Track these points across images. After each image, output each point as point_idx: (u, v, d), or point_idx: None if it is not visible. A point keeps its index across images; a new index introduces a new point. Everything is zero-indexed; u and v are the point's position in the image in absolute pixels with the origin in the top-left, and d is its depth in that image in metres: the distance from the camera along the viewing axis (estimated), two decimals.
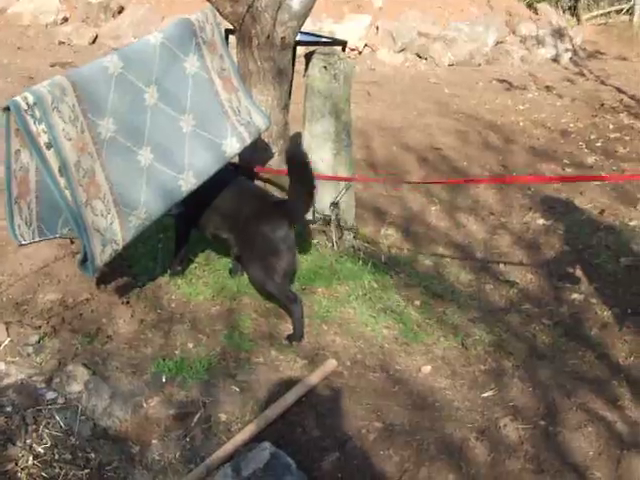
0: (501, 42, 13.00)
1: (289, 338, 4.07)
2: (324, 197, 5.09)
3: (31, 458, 3.05)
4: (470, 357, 4.18)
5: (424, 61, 12.16)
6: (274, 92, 4.35)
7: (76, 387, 3.47)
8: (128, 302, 4.17)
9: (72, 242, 4.35)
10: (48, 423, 3.23)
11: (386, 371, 3.95)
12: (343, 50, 5.13)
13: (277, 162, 4.51)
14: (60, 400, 3.39)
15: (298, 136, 4.48)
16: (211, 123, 3.82)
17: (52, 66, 9.74)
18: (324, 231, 5.09)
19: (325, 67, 4.80)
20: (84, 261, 3.30)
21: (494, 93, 10.74)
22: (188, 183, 3.66)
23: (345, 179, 4.98)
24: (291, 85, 4.96)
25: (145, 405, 3.44)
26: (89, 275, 3.42)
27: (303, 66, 4.95)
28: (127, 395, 3.47)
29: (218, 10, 4.12)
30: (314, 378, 3.70)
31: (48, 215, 3.71)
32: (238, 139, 3.92)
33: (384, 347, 4.17)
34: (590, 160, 7.86)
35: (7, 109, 3.05)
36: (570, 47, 13.60)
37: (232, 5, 4.11)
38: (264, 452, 3.10)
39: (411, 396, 3.76)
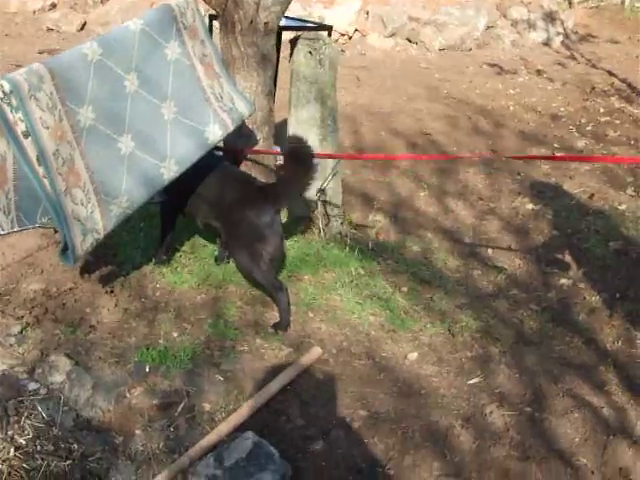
0: (492, 26, 12.92)
1: (275, 327, 4.05)
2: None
3: (12, 450, 3.02)
4: (457, 344, 4.16)
5: (414, 46, 12.09)
6: (258, 78, 4.31)
7: (58, 377, 3.45)
8: (112, 291, 4.15)
9: (56, 231, 4.32)
10: (30, 414, 3.21)
11: (372, 358, 3.93)
12: (329, 35, 5.09)
13: (261, 148, 4.47)
14: (42, 391, 3.37)
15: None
16: (193, 110, 3.78)
17: (40, 53, 9.66)
18: (311, 218, 5.06)
19: (310, 52, 4.76)
20: (64, 250, 3.26)
21: (485, 77, 10.69)
22: (170, 171, 3.62)
23: (331, 156, 4.94)
24: (276, 71, 4.93)
25: (128, 395, 3.42)
26: (70, 265, 3.39)
27: (289, 51, 4.91)
28: (110, 385, 3.46)
29: None
30: (299, 366, 3.68)
31: (27, 204, 3.68)
32: (221, 126, 3.88)
33: (370, 334, 4.15)
34: (580, 144, 7.83)
35: None
36: (561, 31, 13.53)
37: None
38: (247, 441, 3.08)
39: (397, 383, 3.75)
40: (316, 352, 3.82)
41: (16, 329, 3.72)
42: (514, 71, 11.13)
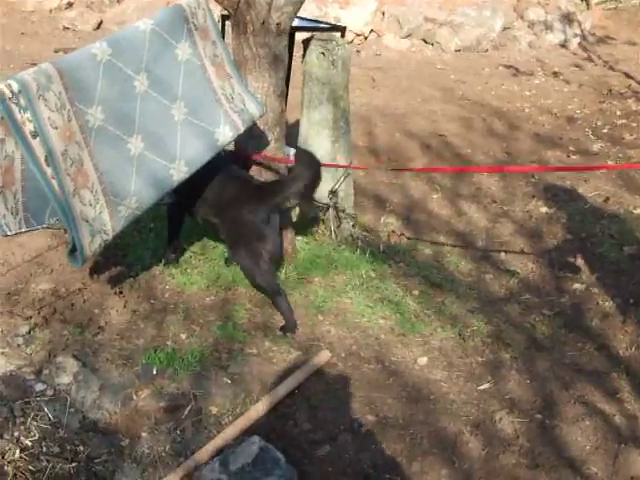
0: (508, 27, 12.84)
1: (282, 329, 4.03)
2: (322, 185, 4.97)
3: (18, 451, 3.02)
4: (467, 348, 4.12)
5: (430, 47, 12.04)
6: (270, 79, 4.27)
7: (65, 379, 3.44)
8: (121, 292, 4.14)
9: (66, 232, 4.31)
10: (36, 415, 3.21)
11: (381, 363, 3.91)
12: (342, 36, 5.05)
13: (273, 150, 4.44)
14: (49, 392, 3.36)
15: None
16: (203, 111, 3.75)
17: (56, 52, 9.66)
18: (322, 220, 5.03)
19: (323, 53, 4.74)
20: (73, 251, 3.25)
21: (500, 79, 10.62)
22: (180, 172, 3.60)
23: (342, 166, 4.92)
24: (289, 72, 4.90)
25: (135, 397, 3.42)
26: (78, 266, 3.37)
27: (302, 52, 4.88)
28: (117, 387, 3.45)
29: None
30: (307, 370, 3.66)
31: (35, 205, 3.67)
32: (231, 127, 3.86)
33: (380, 338, 4.12)
34: (596, 147, 7.76)
35: None
36: (579, 32, 13.44)
37: None
38: (253, 446, 3.06)
39: (406, 388, 3.72)
40: (325, 356, 3.80)
41: (24, 329, 3.72)
42: (530, 73, 11.05)
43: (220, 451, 3.15)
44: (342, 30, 5.17)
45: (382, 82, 9.86)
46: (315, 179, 4.02)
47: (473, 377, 3.88)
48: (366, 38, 11.97)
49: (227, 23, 4.71)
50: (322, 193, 5.00)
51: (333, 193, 4.99)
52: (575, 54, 12.70)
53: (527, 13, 13.22)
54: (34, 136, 3.00)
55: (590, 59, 12.31)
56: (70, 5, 11.73)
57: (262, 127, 4.37)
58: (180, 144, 3.61)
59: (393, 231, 5.63)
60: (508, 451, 3.33)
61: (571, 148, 7.71)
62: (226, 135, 3.85)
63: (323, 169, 4.84)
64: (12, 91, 2.92)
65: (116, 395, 3.40)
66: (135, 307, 4.03)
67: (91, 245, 3.27)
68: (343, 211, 5.09)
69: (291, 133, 5.18)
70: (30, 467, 2.97)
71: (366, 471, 3.16)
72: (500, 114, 8.83)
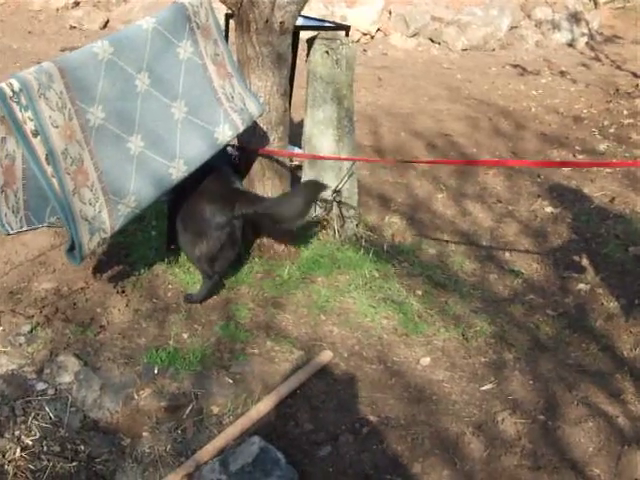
0: (516, 27, 12.80)
1: (186, 296, 4.14)
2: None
3: (19, 450, 3.03)
4: (470, 349, 4.11)
5: (437, 46, 12.01)
6: (273, 78, 4.27)
7: (66, 378, 3.45)
8: (124, 291, 4.14)
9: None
10: (37, 414, 3.22)
11: (384, 363, 3.90)
12: (346, 35, 5.04)
13: (277, 148, 4.44)
14: (50, 391, 3.37)
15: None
16: (204, 110, 3.75)
17: (62, 51, 9.68)
18: (326, 219, 5.02)
19: (327, 52, 4.72)
20: (71, 249, 3.25)
21: (507, 78, 10.59)
22: (179, 171, 3.60)
23: (345, 159, 4.91)
24: (293, 71, 4.90)
25: (136, 397, 3.42)
26: (76, 263, 3.38)
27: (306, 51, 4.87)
28: (118, 386, 3.45)
29: None
30: (309, 370, 3.65)
31: (36, 203, 3.67)
32: (231, 126, 3.85)
33: (383, 338, 4.11)
34: (602, 147, 7.71)
35: None
36: (586, 31, 13.39)
37: None
38: (253, 446, 3.05)
39: (408, 389, 3.70)
40: (327, 356, 3.79)
41: (26, 328, 3.72)
42: (537, 72, 11.01)
43: (221, 451, 3.14)
44: (346, 29, 5.15)
45: (388, 81, 9.83)
46: (298, 215, 4.07)
47: (476, 377, 3.86)
48: (373, 37, 11.95)
49: (231, 22, 4.71)
50: (326, 192, 4.99)
51: (337, 192, 4.98)
52: (582, 53, 12.65)
53: (534, 12, 13.19)
54: (35, 135, 3.00)
55: (597, 58, 12.27)
56: (77, 4, 11.75)
57: (265, 126, 4.37)
58: (180, 143, 3.61)
59: (397, 230, 5.61)
60: (510, 452, 3.31)
61: (577, 147, 7.67)
62: (225, 134, 3.85)
63: (327, 167, 4.88)
64: (13, 90, 2.92)
65: (117, 394, 3.40)
66: (137, 306, 4.03)
67: (89, 243, 3.28)
68: (347, 210, 5.07)
69: (296, 132, 5.17)
70: (30, 466, 2.98)
71: (367, 472, 3.15)
72: (506, 113, 8.80)
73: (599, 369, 4.03)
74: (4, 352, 3.55)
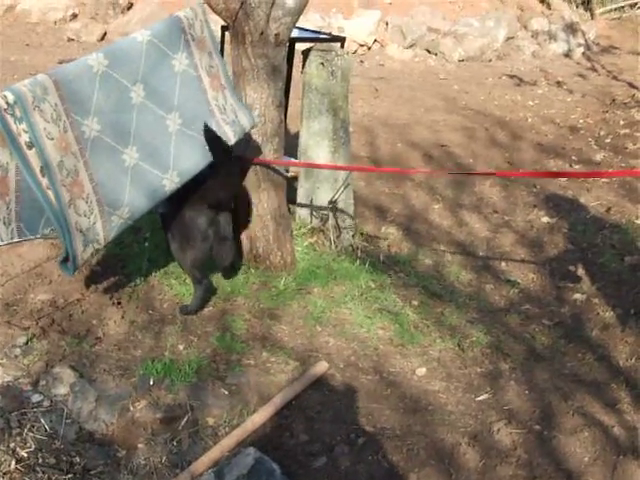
0: (512, 37, 12.83)
1: (181, 308, 4.13)
2: (322, 195, 5.03)
3: (14, 462, 3.02)
4: (466, 359, 4.11)
5: (434, 57, 12.04)
6: (268, 90, 4.28)
7: (62, 390, 3.44)
8: (119, 303, 4.14)
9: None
10: (33, 426, 3.21)
11: (379, 373, 3.90)
12: (342, 47, 5.05)
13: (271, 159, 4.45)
14: (46, 403, 3.37)
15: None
16: (197, 121, 3.75)
17: (60, 63, 9.66)
18: (322, 230, 5.03)
19: (322, 64, 4.75)
20: (65, 261, 3.25)
21: (504, 89, 10.61)
22: (172, 182, 3.60)
23: (341, 168, 4.93)
24: (289, 82, 4.91)
25: (132, 408, 3.40)
26: (69, 274, 3.38)
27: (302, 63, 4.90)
28: (114, 398, 3.44)
29: (211, 6, 4.06)
30: (304, 381, 3.65)
31: (29, 215, 3.66)
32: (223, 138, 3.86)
33: (379, 349, 4.11)
34: (598, 157, 7.73)
35: None
36: (583, 42, 13.43)
37: (225, 1, 4.03)
38: (248, 457, 3.04)
39: (404, 399, 3.70)
40: (322, 367, 3.79)
41: (22, 340, 3.72)
42: (533, 82, 11.04)
43: (216, 462, 3.14)
44: (342, 41, 5.17)
45: (385, 92, 9.85)
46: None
47: (472, 388, 3.87)
48: (369, 48, 11.98)
49: (227, 34, 4.72)
50: (322, 203, 5.01)
51: (333, 202, 4.99)
52: (579, 64, 12.69)
53: (531, 23, 13.23)
54: (29, 147, 3.00)
55: (594, 69, 12.31)
56: (74, 16, 11.77)
57: (261, 138, 4.38)
58: (174, 155, 3.62)
59: (393, 241, 5.62)
60: (506, 462, 3.30)
61: (574, 158, 7.69)
62: None
63: (323, 178, 4.89)
64: (8, 102, 2.92)
65: (113, 406, 3.39)
66: (133, 318, 4.03)
67: (83, 254, 3.29)
68: (343, 220, 5.09)
69: (291, 143, 5.18)
70: (26, 478, 2.97)
71: None
72: (503, 124, 8.82)
73: (595, 379, 4.03)
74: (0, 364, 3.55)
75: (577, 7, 14.90)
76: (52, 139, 3.06)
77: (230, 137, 3.91)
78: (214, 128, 3.80)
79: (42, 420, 3.25)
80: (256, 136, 4.35)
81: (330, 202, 4.98)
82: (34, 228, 3.75)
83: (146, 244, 4.44)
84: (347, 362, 3.95)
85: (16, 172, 3.49)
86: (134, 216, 3.48)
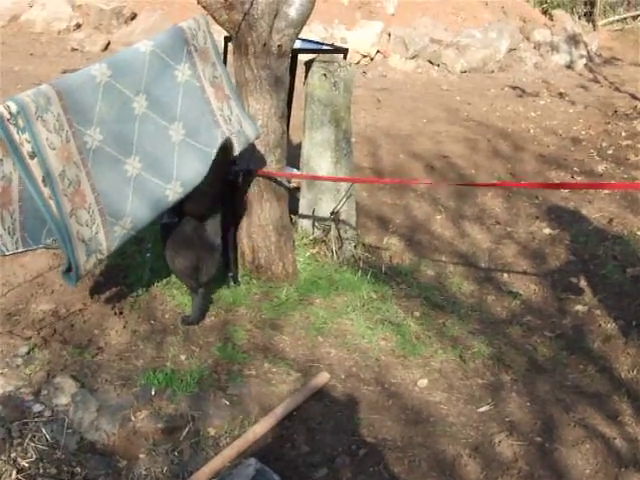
0: (514, 49, 12.87)
1: (183, 318, 4.13)
2: (324, 206, 5.04)
3: (15, 472, 3.01)
4: (468, 370, 4.11)
5: (436, 68, 12.07)
6: (271, 100, 4.29)
7: (63, 399, 3.43)
8: (121, 313, 4.14)
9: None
10: (34, 436, 3.20)
11: (381, 384, 3.89)
12: (344, 58, 5.07)
13: (275, 170, 4.46)
14: (47, 413, 3.35)
15: None
16: (201, 132, 3.77)
17: (64, 73, 9.68)
18: (324, 241, 5.03)
19: (325, 75, 4.76)
20: (68, 271, 3.26)
21: (506, 100, 10.62)
22: (175, 193, 3.61)
23: (344, 179, 4.94)
24: (291, 93, 4.92)
25: (133, 419, 3.40)
26: (72, 284, 3.39)
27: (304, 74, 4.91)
28: (115, 408, 3.43)
29: (214, 18, 4.08)
30: (306, 392, 3.65)
31: (32, 225, 3.68)
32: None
33: (380, 360, 4.11)
34: (600, 168, 7.74)
35: None
36: (585, 53, 13.47)
37: (228, 13, 4.06)
38: (249, 468, 3.03)
39: (405, 411, 3.70)
40: (324, 377, 3.78)
41: (23, 350, 3.72)
42: (536, 94, 11.06)
43: (217, 473, 3.13)
44: (344, 52, 5.18)
45: (387, 103, 9.87)
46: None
47: (473, 399, 3.86)
48: (372, 59, 12.00)
49: (230, 45, 4.74)
50: (324, 214, 5.01)
51: (335, 213, 4.99)
52: (581, 75, 12.72)
53: (533, 34, 13.26)
54: (32, 157, 3.01)
55: (596, 80, 12.33)
56: (78, 26, 11.80)
57: (263, 148, 4.39)
58: (177, 165, 3.63)
59: (395, 252, 5.62)
60: (507, 474, 3.30)
61: (576, 169, 7.70)
62: None
63: (325, 189, 4.90)
64: (11, 112, 2.94)
65: (114, 416, 3.39)
66: (135, 328, 4.03)
67: (86, 264, 3.29)
68: (345, 231, 5.09)
69: (294, 154, 5.19)
70: None
71: None
72: (505, 135, 8.83)
73: (597, 391, 4.03)
74: (1, 374, 3.54)
75: (579, 18, 14.94)
76: (54, 149, 3.07)
77: (235, 147, 3.91)
78: (219, 139, 3.81)
79: (43, 430, 3.24)
80: (259, 147, 4.36)
81: (332, 213, 4.98)
82: (37, 238, 3.76)
83: (148, 254, 4.44)
84: (349, 373, 3.94)
85: (19, 182, 3.51)
86: (137, 226, 3.49)
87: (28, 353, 3.71)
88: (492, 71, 12.34)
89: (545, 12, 14.57)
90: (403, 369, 4.07)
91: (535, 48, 13.16)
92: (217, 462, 3.18)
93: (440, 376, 4.04)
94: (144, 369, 3.70)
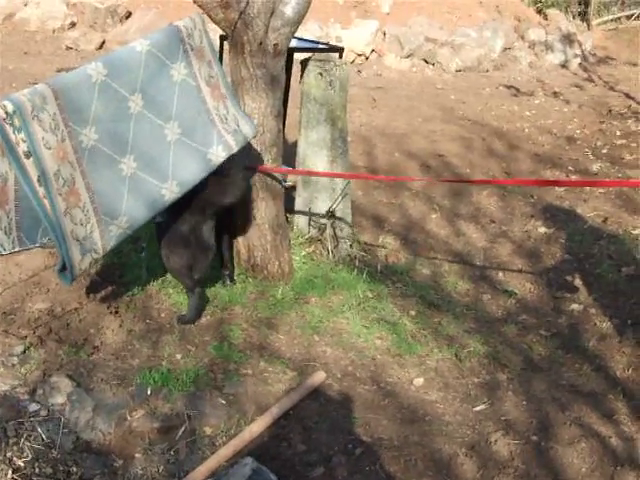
0: (509, 48, 12.89)
1: (179, 317, 4.13)
2: (320, 205, 5.04)
3: (10, 472, 3.00)
4: (464, 369, 4.11)
5: (431, 67, 12.08)
6: (267, 99, 4.29)
7: (59, 399, 3.43)
8: (117, 312, 4.13)
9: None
10: (29, 436, 3.19)
11: (377, 383, 3.89)
12: (340, 57, 5.07)
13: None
14: (43, 412, 3.35)
15: None
16: (197, 131, 3.76)
17: (59, 71, 9.67)
18: (320, 239, 5.03)
19: (321, 74, 4.76)
20: (63, 269, 3.25)
21: (501, 99, 10.64)
22: (172, 192, 3.60)
23: (340, 175, 4.94)
24: (287, 92, 4.91)
25: (129, 418, 3.39)
26: (67, 283, 3.38)
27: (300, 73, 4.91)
28: (111, 407, 3.43)
29: (210, 16, 4.08)
30: (302, 391, 3.65)
31: (28, 224, 3.68)
32: (224, 147, 3.86)
33: (376, 359, 4.11)
34: (595, 167, 7.75)
35: None
36: (579, 53, 13.49)
37: (224, 11, 4.05)
38: (245, 467, 3.03)
39: (401, 410, 3.70)
40: (320, 376, 3.78)
41: (19, 349, 3.71)
42: (530, 93, 11.08)
43: (214, 472, 3.13)
44: (340, 51, 5.18)
45: (382, 102, 9.87)
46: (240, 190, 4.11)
47: (469, 398, 3.86)
48: (367, 58, 12.01)
49: (225, 44, 4.73)
50: (320, 213, 5.01)
51: (331, 212, 4.99)
52: (575, 74, 12.75)
53: (528, 33, 13.28)
54: (27, 156, 3.00)
55: (590, 79, 12.36)
56: (73, 25, 11.79)
57: (259, 147, 4.38)
58: (172, 164, 3.62)
59: (391, 251, 5.62)
60: (503, 473, 3.30)
61: (570, 168, 7.71)
62: (219, 155, 3.85)
63: (321, 188, 4.90)
64: (7, 112, 2.93)
65: (110, 415, 3.39)
66: (131, 327, 4.02)
67: (81, 264, 3.28)
68: (341, 230, 5.09)
69: (290, 153, 5.19)
70: None
71: None
72: (500, 134, 8.84)
73: (592, 389, 4.03)
74: None
75: (574, 18, 14.97)
76: (50, 148, 3.06)
77: (232, 146, 3.91)
78: (215, 138, 3.80)
79: (39, 429, 3.23)
80: (255, 146, 4.35)
81: (328, 211, 4.98)
82: (33, 237, 3.76)
83: (143, 253, 4.44)
84: (344, 372, 3.95)
85: (15, 181, 3.50)
86: (133, 226, 3.48)
87: (24, 352, 3.70)
88: (487, 70, 12.36)
89: (539, 11, 14.60)
90: (399, 368, 4.07)
91: (530, 47, 13.18)
92: (213, 461, 3.18)
93: (436, 375, 4.05)
94: (140, 368, 3.70)
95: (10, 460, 3.06)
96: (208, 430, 3.38)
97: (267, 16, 4.11)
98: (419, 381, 3.97)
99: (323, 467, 3.24)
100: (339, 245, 5.09)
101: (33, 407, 3.36)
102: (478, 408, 3.78)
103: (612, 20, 15.55)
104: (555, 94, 11.11)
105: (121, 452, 3.26)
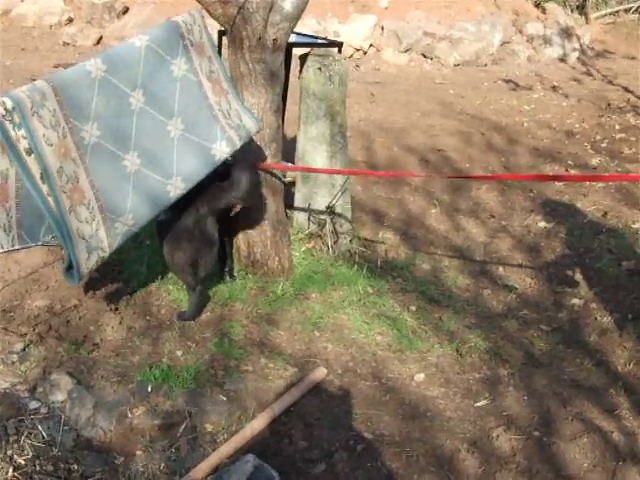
0: (507, 42, 12.86)
1: (179, 314, 4.12)
2: (319, 200, 5.02)
3: (11, 470, 3.00)
4: (465, 365, 4.11)
5: (429, 61, 12.06)
6: (266, 95, 4.27)
7: (60, 396, 3.42)
8: (117, 309, 4.12)
9: (62, 248, 4.29)
10: (30, 433, 3.19)
11: (378, 379, 3.89)
12: (339, 52, 5.05)
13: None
14: (43, 410, 3.34)
15: None
16: (200, 127, 3.74)
17: (56, 67, 9.64)
18: (319, 235, 5.02)
19: (320, 69, 4.74)
20: (69, 269, 3.23)
21: (499, 93, 10.63)
22: (177, 188, 3.58)
23: (339, 172, 4.93)
24: (286, 87, 4.90)
25: (130, 415, 3.38)
26: (74, 283, 3.36)
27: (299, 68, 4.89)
28: (112, 405, 3.42)
29: (209, 11, 4.06)
30: (303, 387, 3.64)
31: (30, 222, 3.65)
32: (228, 143, 3.85)
33: (377, 354, 4.10)
34: (594, 161, 7.74)
35: None
36: (578, 46, 13.48)
37: (223, 6, 4.03)
38: (247, 464, 3.03)
39: (402, 405, 3.69)
40: (321, 372, 3.78)
41: (19, 346, 3.70)
42: (529, 87, 11.07)
43: (215, 469, 3.12)
44: (339, 45, 5.17)
45: (381, 97, 9.86)
46: (252, 182, 4.08)
47: (470, 393, 3.86)
48: (365, 53, 11.98)
49: (224, 39, 4.72)
50: (319, 208, 5.00)
51: (331, 208, 4.98)
52: (574, 68, 12.73)
53: (526, 28, 13.26)
54: (29, 153, 2.98)
55: (589, 73, 12.34)
56: (70, 21, 11.76)
57: (259, 143, 4.37)
58: (176, 160, 3.60)
59: (391, 246, 5.61)
60: (505, 469, 3.29)
61: (570, 162, 7.70)
62: (223, 151, 3.84)
63: (320, 183, 4.89)
64: (6, 108, 2.91)
65: (110, 413, 3.38)
66: (131, 324, 4.01)
67: (87, 262, 3.26)
68: (341, 226, 5.08)
69: (289, 148, 5.17)
70: None
71: None
72: (499, 128, 8.83)
73: (593, 384, 4.02)
74: None
75: (572, 12, 14.93)
76: (51, 145, 3.04)
77: (236, 141, 3.89)
78: (218, 133, 3.79)
79: (39, 427, 3.22)
80: (255, 141, 4.34)
81: (327, 207, 4.97)
82: (35, 236, 3.74)
83: (147, 250, 4.42)
84: (345, 368, 3.94)
85: (16, 179, 3.48)
86: (139, 223, 3.46)
87: (24, 350, 3.69)
88: (485, 64, 12.34)
89: (537, 5, 14.55)
90: (400, 364, 4.06)
91: (528, 41, 13.16)
92: (214, 458, 3.17)
93: (437, 370, 4.04)
94: (140, 365, 3.69)
95: (11, 458, 3.05)
96: (209, 427, 3.37)
97: (266, 11, 4.09)
98: (420, 377, 3.96)
99: (325, 463, 3.23)
100: (339, 241, 5.08)
101: (33, 405, 3.35)
102: (479, 403, 3.77)
103: (610, 14, 15.53)
104: (554, 88, 11.10)
105: (122, 449, 3.26)
